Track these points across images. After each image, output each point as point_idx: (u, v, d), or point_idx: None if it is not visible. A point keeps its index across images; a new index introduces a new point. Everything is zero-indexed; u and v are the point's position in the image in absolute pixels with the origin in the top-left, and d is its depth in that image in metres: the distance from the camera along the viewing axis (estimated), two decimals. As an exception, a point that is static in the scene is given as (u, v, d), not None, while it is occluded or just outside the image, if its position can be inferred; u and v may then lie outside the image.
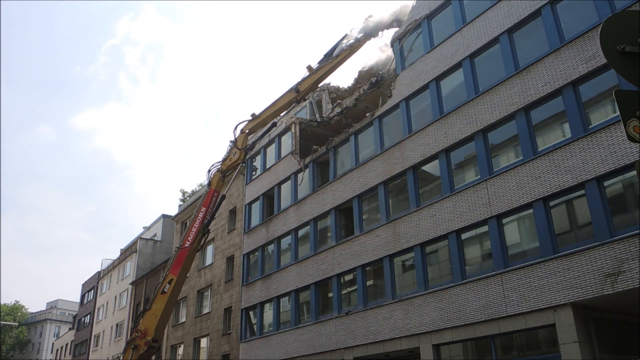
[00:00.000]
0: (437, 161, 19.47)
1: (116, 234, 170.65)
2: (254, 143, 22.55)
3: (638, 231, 13.00)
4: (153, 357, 20.45)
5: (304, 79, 22.12)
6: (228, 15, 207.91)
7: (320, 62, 22.36)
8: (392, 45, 23.30)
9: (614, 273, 13.21)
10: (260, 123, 22.57)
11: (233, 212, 33.17)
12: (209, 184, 21.89)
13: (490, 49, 18.44)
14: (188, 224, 38.95)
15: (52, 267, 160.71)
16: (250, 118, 22.49)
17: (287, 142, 28.80)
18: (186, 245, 20.65)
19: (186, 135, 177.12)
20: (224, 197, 22.36)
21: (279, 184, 28.83)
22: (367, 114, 23.72)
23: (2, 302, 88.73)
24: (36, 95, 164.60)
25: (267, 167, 30.41)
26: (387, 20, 22.53)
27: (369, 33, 22.30)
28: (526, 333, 15.48)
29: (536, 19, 17.05)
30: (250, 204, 31.25)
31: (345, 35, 22.62)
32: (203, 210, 21.22)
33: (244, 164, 22.98)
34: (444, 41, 20.26)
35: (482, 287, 16.48)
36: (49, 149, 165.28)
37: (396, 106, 22.01)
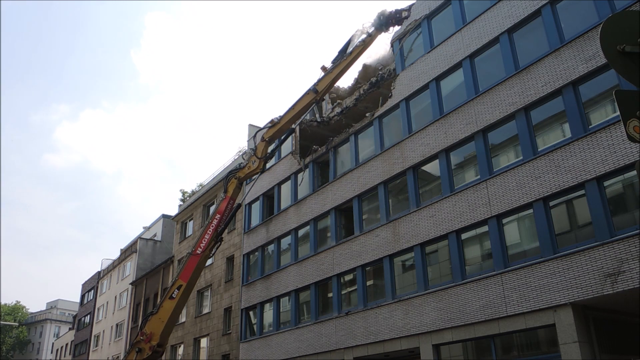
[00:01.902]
0: (437, 161, 19.47)
1: (105, 231, 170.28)
2: (273, 151, 22.32)
3: (638, 231, 13.00)
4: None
5: (320, 79, 21.80)
6: (217, 14, 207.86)
7: (334, 61, 22.06)
8: (392, 45, 23.30)
9: (614, 273, 13.21)
10: (280, 130, 22.19)
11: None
12: (225, 190, 21.51)
13: (490, 49, 18.44)
14: (188, 224, 39.27)
15: (46, 266, 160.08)
16: (269, 125, 22.16)
17: (287, 142, 28.77)
18: (198, 252, 20.31)
19: (169, 132, 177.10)
20: (239, 205, 21.98)
21: (279, 184, 28.83)
22: (367, 114, 23.72)
23: (2, 302, 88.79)
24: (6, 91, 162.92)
25: (267, 167, 30.38)
26: (398, 14, 22.16)
27: (380, 27, 21.86)
28: (526, 333, 15.47)
29: (536, 19, 17.05)
30: (250, 204, 31.24)
31: (357, 31, 22.20)
32: (218, 217, 20.85)
33: (262, 172, 22.70)
34: (444, 41, 20.26)
35: (482, 287, 16.48)
36: (22, 146, 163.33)
37: (396, 106, 22.01)
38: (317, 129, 26.98)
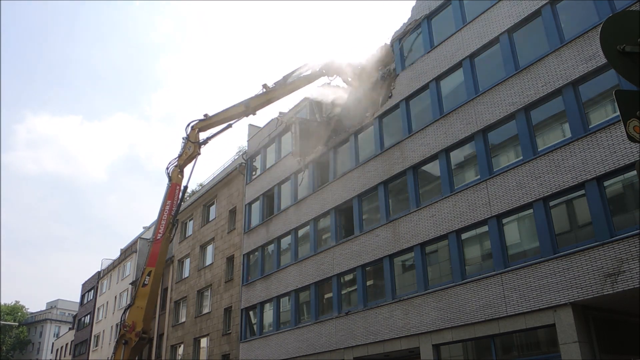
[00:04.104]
0: (437, 161, 19.46)
1: (93, 227, 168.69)
2: (208, 139, 24.15)
3: (638, 231, 13.00)
4: (153, 358, 20.76)
5: (257, 96, 23.30)
6: (215, 12, 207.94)
7: (276, 84, 23.43)
8: (392, 45, 23.30)
9: (614, 273, 13.21)
10: (211, 124, 23.97)
11: (233, 212, 33.16)
12: (170, 178, 23.34)
13: (490, 49, 18.44)
14: (188, 224, 39.29)
15: (38, 264, 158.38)
16: (202, 117, 23.96)
17: (287, 142, 28.79)
18: (158, 237, 22.03)
19: (166, 131, 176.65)
20: (186, 188, 23.97)
21: (279, 184, 28.83)
22: (367, 114, 23.72)
23: (2, 302, 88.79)
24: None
25: (267, 167, 30.40)
26: (345, 70, 23.46)
27: (327, 72, 23.31)
28: (526, 333, 15.47)
29: (536, 19, 17.05)
30: (250, 204, 31.24)
31: (304, 65, 23.62)
32: (169, 203, 22.70)
33: (199, 155, 24.63)
34: (444, 41, 20.25)
35: (482, 287, 16.48)
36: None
37: (396, 106, 22.02)
38: (317, 129, 26.98)
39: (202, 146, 24.08)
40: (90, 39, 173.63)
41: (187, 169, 23.92)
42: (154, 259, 21.68)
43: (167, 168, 23.53)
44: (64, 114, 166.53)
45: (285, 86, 23.27)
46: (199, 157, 24.37)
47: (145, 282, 21.23)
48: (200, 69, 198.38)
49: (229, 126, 24.36)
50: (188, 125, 23.84)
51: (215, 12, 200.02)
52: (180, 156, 23.48)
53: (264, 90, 23.29)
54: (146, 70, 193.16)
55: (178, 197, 22.97)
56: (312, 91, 26.11)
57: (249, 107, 23.18)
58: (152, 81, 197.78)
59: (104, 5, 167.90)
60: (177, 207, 22.97)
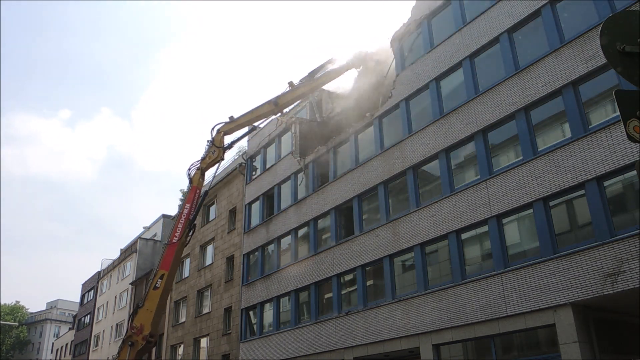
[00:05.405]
0: (437, 161, 19.47)
1: (88, 226, 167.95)
2: (233, 143, 23.55)
3: (638, 231, 13.00)
4: (153, 358, 20.61)
5: (284, 94, 22.93)
6: (215, 13, 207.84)
7: (302, 80, 23.14)
8: (392, 46, 23.31)
9: (614, 273, 13.21)
10: (237, 126, 23.50)
11: (233, 212, 33.16)
12: (191, 181, 22.92)
13: (490, 49, 18.44)
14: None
15: (33, 263, 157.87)
16: (227, 120, 23.52)
17: (287, 142, 28.79)
18: (174, 240, 21.44)
19: (165, 132, 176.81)
20: (206, 193, 23.67)
21: (279, 184, 28.84)
22: (367, 114, 23.73)
23: (2, 302, 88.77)
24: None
25: (267, 167, 30.41)
26: (372, 57, 23.18)
27: (354, 64, 23.06)
28: (526, 333, 15.48)
29: (536, 19, 17.05)
30: (250, 204, 31.25)
31: (330, 59, 23.35)
32: (187, 206, 22.20)
33: (222, 160, 24.19)
34: (444, 41, 20.25)
35: (482, 287, 16.48)
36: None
37: (396, 106, 22.02)
38: (317, 129, 26.98)
39: (227, 150, 23.68)
40: (82, 36, 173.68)
41: (207, 173, 23.48)
42: (167, 262, 21.01)
43: (189, 169, 22.97)
44: (50, 111, 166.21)
45: (313, 82, 22.88)
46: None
47: (156, 285, 20.65)
48: (193, 68, 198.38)
49: (254, 128, 24.00)
50: (213, 128, 23.18)
51: (211, 12, 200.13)
52: (203, 159, 22.94)
53: (290, 87, 22.87)
54: (136, 68, 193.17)
55: (197, 200, 22.45)
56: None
57: (278, 105, 22.67)
58: (141, 79, 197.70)
59: (98, 4, 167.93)
60: (196, 211, 22.45)
